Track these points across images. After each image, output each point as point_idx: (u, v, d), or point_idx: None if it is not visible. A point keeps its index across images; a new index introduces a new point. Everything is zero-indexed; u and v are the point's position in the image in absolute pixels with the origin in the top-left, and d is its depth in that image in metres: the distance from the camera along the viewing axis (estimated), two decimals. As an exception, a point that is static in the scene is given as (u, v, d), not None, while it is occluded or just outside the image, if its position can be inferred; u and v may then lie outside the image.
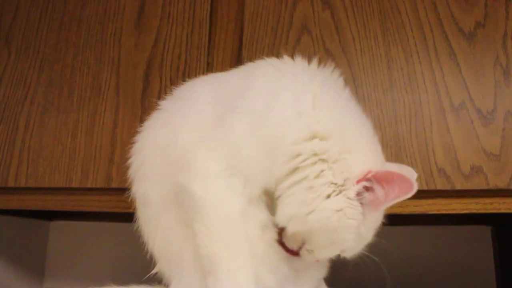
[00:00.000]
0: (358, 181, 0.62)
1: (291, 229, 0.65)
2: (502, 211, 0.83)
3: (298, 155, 0.63)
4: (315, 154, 0.63)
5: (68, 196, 0.98)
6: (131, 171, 0.76)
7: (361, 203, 0.63)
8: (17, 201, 1.00)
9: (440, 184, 0.83)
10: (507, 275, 1.08)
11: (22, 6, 1.09)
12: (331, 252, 0.67)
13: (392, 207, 0.84)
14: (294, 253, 0.68)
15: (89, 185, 0.95)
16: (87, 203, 0.97)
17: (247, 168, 0.65)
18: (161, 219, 0.71)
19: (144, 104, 0.96)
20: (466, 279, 1.17)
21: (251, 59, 0.93)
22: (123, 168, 0.94)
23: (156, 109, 0.79)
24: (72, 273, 1.34)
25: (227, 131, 0.65)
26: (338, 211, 0.62)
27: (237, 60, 0.96)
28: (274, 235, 0.68)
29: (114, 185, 0.93)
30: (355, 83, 0.89)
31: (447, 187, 0.83)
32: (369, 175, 0.62)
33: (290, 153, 0.64)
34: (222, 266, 0.62)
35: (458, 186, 0.83)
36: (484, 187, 0.82)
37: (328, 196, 0.62)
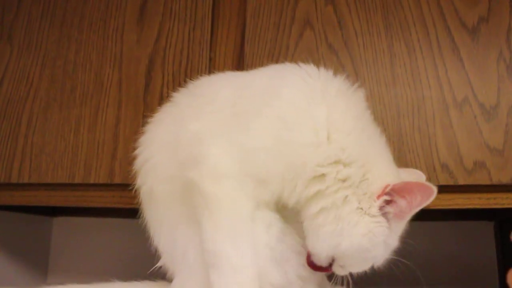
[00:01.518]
0: (378, 197, 0.64)
1: (325, 255, 0.66)
2: (505, 206, 0.83)
3: (323, 175, 0.64)
4: (339, 180, 0.64)
5: (71, 191, 0.98)
6: (137, 163, 0.76)
7: (386, 217, 0.64)
8: (20, 197, 1.01)
9: (443, 180, 0.83)
10: (509, 267, 1.08)
11: (24, 3, 1.08)
12: (363, 267, 0.68)
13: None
14: (324, 269, 0.69)
15: (92, 181, 0.95)
16: (90, 199, 0.97)
17: (261, 175, 0.65)
18: (166, 215, 0.72)
19: (146, 100, 0.96)
20: (469, 274, 1.17)
21: (253, 54, 0.93)
22: (126, 164, 0.94)
23: (168, 101, 0.78)
24: (75, 269, 1.34)
25: (247, 135, 0.65)
26: (368, 233, 0.63)
27: (240, 56, 0.96)
28: (278, 234, 0.68)
29: (116, 180, 0.93)
30: (358, 79, 0.89)
31: (450, 182, 0.83)
32: (388, 189, 0.63)
33: (315, 173, 0.64)
34: (227, 262, 0.62)
35: (461, 182, 0.83)
36: (487, 182, 0.82)
37: (357, 223, 0.63)
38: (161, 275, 0.78)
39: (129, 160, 0.94)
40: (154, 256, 0.76)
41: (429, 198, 0.61)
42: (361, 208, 0.64)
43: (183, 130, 0.69)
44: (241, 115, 0.67)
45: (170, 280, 0.75)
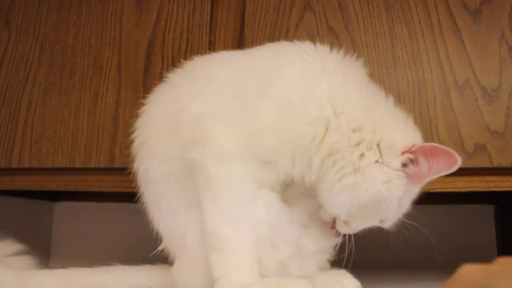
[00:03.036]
0: (403, 153, 0.63)
1: (343, 215, 0.66)
2: (505, 189, 0.83)
3: (337, 150, 0.64)
4: (352, 145, 0.64)
5: (72, 176, 0.98)
6: (134, 146, 0.76)
7: (405, 175, 0.63)
8: (21, 181, 1.01)
9: (443, 163, 0.83)
10: (509, 254, 1.09)
11: (21, -14, 1.07)
12: (369, 223, 0.68)
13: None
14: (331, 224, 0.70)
15: (92, 165, 0.95)
16: (91, 183, 0.97)
17: (268, 155, 0.65)
18: (164, 198, 0.71)
19: (146, 83, 0.96)
20: (468, 258, 1.17)
21: (253, 37, 0.93)
22: (126, 148, 0.94)
23: (164, 81, 0.78)
24: (77, 253, 1.35)
25: (252, 116, 0.65)
26: (386, 182, 0.63)
27: (239, 39, 0.95)
28: (278, 213, 0.68)
29: (117, 165, 0.94)
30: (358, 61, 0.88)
31: (450, 165, 0.82)
32: (414, 148, 0.63)
33: (329, 151, 0.64)
34: (227, 245, 0.63)
35: (462, 165, 0.82)
36: (488, 165, 0.82)
37: (377, 173, 0.63)
38: (163, 259, 0.78)
39: (129, 144, 0.94)
40: (155, 240, 0.76)
41: (451, 167, 0.61)
42: (382, 162, 0.63)
43: (183, 112, 0.69)
44: (244, 97, 0.66)
45: (171, 264, 0.76)
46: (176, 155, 0.68)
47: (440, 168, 0.62)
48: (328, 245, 0.76)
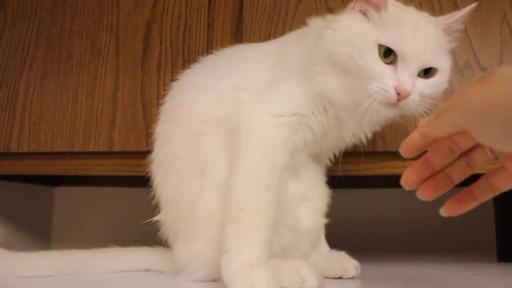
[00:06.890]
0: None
1: None
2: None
3: None
4: None
5: (71, 160, 0.98)
6: (162, 111, 0.78)
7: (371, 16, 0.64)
8: (20, 166, 1.01)
9: (443, 145, 0.82)
10: (507, 235, 1.09)
11: (16, -32, 1.06)
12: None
13: (395, 167, 0.84)
14: None
15: (91, 149, 0.95)
16: (90, 167, 0.97)
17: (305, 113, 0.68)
18: (177, 160, 0.71)
19: (144, 66, 0.95)
20: (467, 239, 1.19)
21: (252, 19, 0.92)
22: (125, 131, 0.94)
23: (197, 62, 0.80)
24: (77, 237, 1.36)
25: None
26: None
27: (238, 21, 0.94)
28: (283, 194, 0.68)
29: (116, 148, 0.93)
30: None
31: (450, 147, 0.82)
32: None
33: None
34: (249, 217, 0.62)
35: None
36: (487, 147, 0.82)
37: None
38: (160, 242, 0.78)
39: (128, 127, 0.94)
40: (154, 223, 0.76)
41: None
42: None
43: (224, 83, 0.73)
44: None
45: (168, 246, 0.76)
46: (221, 114, 0.70)
47: None
48: (319, 223, 0.77)
